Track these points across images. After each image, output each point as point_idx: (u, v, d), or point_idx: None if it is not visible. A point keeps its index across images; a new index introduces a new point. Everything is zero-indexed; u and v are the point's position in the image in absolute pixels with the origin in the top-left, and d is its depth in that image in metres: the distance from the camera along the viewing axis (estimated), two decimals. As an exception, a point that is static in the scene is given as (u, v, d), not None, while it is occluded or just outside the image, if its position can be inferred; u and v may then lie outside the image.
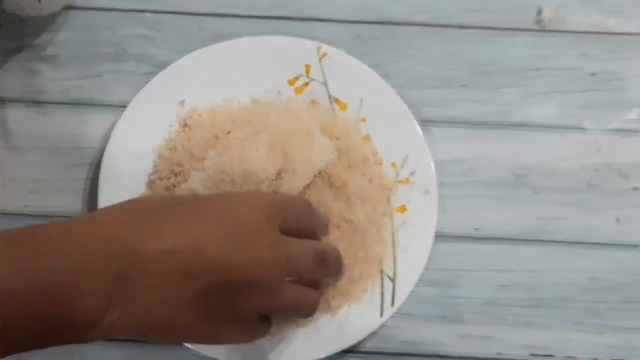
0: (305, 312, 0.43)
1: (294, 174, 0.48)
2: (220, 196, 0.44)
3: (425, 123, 0.54)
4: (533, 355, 0.51)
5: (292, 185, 0.48)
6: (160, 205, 0.39)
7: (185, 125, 0.51)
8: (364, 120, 0.52)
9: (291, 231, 0.40)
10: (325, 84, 0.53)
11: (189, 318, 0.37)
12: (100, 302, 0.34)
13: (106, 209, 0.38)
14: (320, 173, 0.50)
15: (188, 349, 0.48)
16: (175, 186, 0.50)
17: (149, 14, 0.56)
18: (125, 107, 0.52)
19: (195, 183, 0.48)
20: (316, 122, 0.50)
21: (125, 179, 0.50)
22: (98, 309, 0.34)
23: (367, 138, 0.52)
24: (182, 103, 0.52)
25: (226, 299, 0.37)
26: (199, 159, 0.49)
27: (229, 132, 0.50)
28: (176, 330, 0.38)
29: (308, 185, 0.49)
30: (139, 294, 0.35)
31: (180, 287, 0.36)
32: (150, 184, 0.51)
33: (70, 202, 0.52)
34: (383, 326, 0.50)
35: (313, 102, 0.53)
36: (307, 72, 0.53)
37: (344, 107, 0.53)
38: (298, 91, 0.53)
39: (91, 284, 0.34)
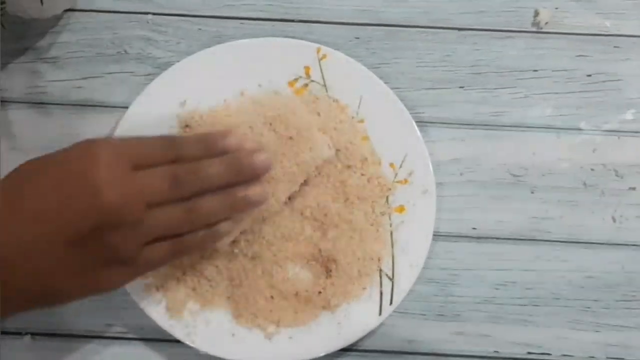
0: (203, 239, 0.44)
1: (290, 169, 0.48)
2: (58, 153, 0.42)
3: (423, 123, 0.54)
4: (529, 353, 0.51)
5: (289, 180, 0.48)
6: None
7: (186, 126, 0.52)
8: (362, 120, 0.53)
9: (147, 165, 0.41)
10: (324, 85, 0.54)
11: (64, 278, 0.39)
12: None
13: None
14: (320, 172, 0.50)
15: (188, 347, 0.48)
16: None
17: (150, 16, 0.57)
18: (126, 108, 0.52)
19: None
20: (314, 119, 0.51)
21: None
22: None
23: (366, 138, 0.53)
24: (183, 104, 0.53)
25: (94, 246, 0.39)
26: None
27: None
28: (57, 296, 0.40)
29: (306, 182, 0.50)
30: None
31: (47, 252, 0.38)
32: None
33: (72, 202, 0.53)
34: (381, 324, 0.50)
35: (313, 102, 0.53)
36: (307, 73, 0.54)
37: (342, 107, 0.53)
38: (297, 92, 0.53)
39: None
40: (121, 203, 0.39)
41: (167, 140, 0.43)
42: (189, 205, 0.42)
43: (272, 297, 0.49)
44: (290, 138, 0.49)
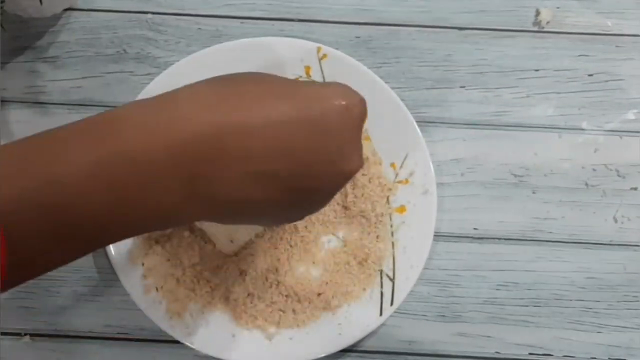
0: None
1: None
2: (316, 88, 0.36)
3: (424, 123, 0.54)
4: (531, 354, 0.51)
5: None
6: (250, 90, 0.34)
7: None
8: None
9: None
10: (325, 85, 0.53)
11: (267, 213, 0.35)
12: (176, 199, 0.32)
13: (189, 89, 0.35)
14: None
15: (188, 348, 0.48)
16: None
17: (149, 15, 0.56)
18: (126, 107, 0.52)
19: None
20: None
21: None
22: (174, 204, 0.32)
23: (366, 138, 0.52)
24: (183, 104, 0.52)
25: (306, 198, 0.35)
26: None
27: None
28: (254, 219, 0.37)
29: None
30: (219, 194, 0.32)
31: (265, 191, 0.33)
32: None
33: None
34: (382, 325, 0.50)
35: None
36: (307, 72, 0.54)
37: (343, 107, 0.53)
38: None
39: (165, 185, 0.32)
40: (350, 176, 0.36)
41: None
42: None
43: (272, 298, 0.49)
44: None
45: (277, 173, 0.33)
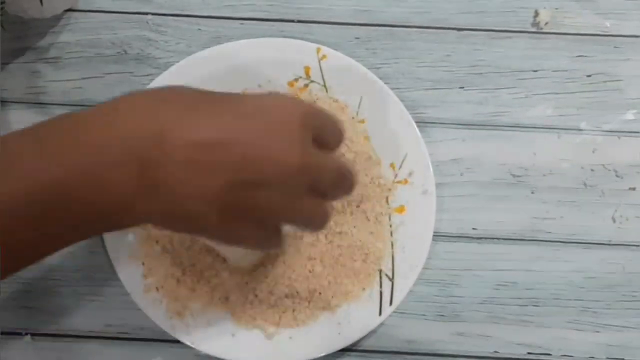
0: (317, 225, 0.41)
1: None
2: (254, 96, 0.42)
3: (423, 124, 0.54)
4: (529, 353, 0.51)
5: None
6: (190, 97, 0.38)
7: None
8: (363, 121, 0.53)
9: (319, 144, 0.39)
10: (325, 85, 0.54)
11: (211, 211, 0.36)
12: (129, 189, 0.35)
13: (130, 97, 0.37)
14: None
15: (188, 348, 0.48)
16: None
17: (149, 16, 0.57)
18: (126, 108, 0.52)
19: None
20: None
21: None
22: (127, 196, 0.35)
23: (366, 138, 0.53)
24: (183, 104, 0.52)
25: (249, 196, 0.36)
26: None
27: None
28: (199, 222, 0.37)
29: None
30: (164, 182, 0.35)
31: (206, 180, 0.35)
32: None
33: (72, 202, 0.53)
34: (381, 325, 0.50)
35: (313, 102, 0.53)
36: (307, 73, 0.54)
37: (343, 108, 0.53)
38: (297, 92, 0.53)
39: (118, 172, 0.34)
40: (297, 169, 0.36)
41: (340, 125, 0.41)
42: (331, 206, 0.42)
43: (271, 298, 0.49)
44: None
45: (218, 164, 0.35)
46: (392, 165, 0.52)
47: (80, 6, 0.57)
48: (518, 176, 0.54)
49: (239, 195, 0.36)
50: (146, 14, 0.57)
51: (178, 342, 0.49)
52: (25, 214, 0.34)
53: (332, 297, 0.49)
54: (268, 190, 0.36)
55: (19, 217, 0.34)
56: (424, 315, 0.52)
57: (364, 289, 0.50)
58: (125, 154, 0.35)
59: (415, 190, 0.52)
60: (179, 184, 0.35)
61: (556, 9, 0.57)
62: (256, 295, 0.49)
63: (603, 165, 0.55)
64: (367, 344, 0.51)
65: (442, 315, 0.52)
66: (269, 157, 0.36)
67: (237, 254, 0.48)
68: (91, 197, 0.35)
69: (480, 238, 0.53)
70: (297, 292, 0.49)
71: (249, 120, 0.36)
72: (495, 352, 0.51)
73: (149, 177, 0.35)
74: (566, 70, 0.56)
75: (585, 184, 0.54)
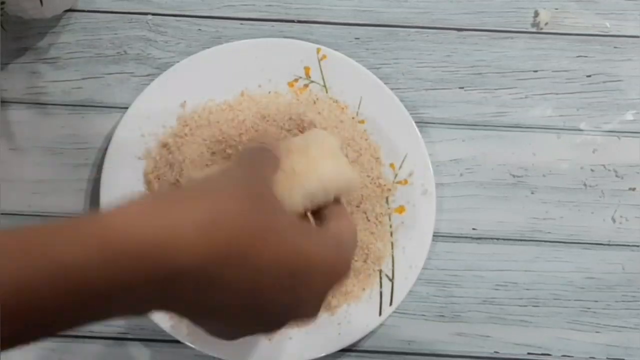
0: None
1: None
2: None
3: (423, 124, 0.54)
4: (529, 353, 0.51)
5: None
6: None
7: (186, 126, 0.52)
8: (363, 121, 0.53)
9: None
10: (325, 86, 0.54)
11: (237, 328, 0.35)
12: (155, 307, 0.32)
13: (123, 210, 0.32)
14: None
15: (188, 348, 0.48)
16: (174, 184, 0.50)
17: (149, 16, 0.57)
18: (126, 108, 0.52)
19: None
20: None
21: (126, 179, 0.51)
22: (154, 309, 0.32)
23: (366, 138, 0.52)
24: (183, 104, 0.53)
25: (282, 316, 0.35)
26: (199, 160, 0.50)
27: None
28: (228, 335, 0.36)
29: None
30: (195, 302, 0.32)
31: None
32: (150, 183, 0.51)
33: (72, 202, 0.53)
34: (381, 325, 0.50)
35: (313, 103, 0.53)
36: (307, 73, 0.54)
37: (343, 108, 0.53)
38: (297, 92, 0.53)
39: (139, 296, 0.30)
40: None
41: None
42: None
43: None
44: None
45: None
46: (392, 165, 0.52)
47: (80, 6, 0.57)
48: (518, 176, 0.54)
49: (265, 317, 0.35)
50: (146, 14, 0.57)
51: (178, 342, 0.49)
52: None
53: (332, 297, 0.49)
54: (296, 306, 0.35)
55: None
56: (423, 315, 0.52)
57: (364, 289, 0.50)
58: (139, 281, 0.30)
59: (415, 191, 0.52)
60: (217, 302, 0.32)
61: (556, 9, 0.57)
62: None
63: (603, 165, 0.55)
64: (367, 344, 0.51)
65: (442, 316, 0.52)
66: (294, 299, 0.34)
67: None
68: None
69: (480, 238, 0.53)
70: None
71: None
72: (495, 352, 0.51)
73: (175, 300, 0.32)
74: (566, 71, 0.56)
75: (585, 184, 0.54)
